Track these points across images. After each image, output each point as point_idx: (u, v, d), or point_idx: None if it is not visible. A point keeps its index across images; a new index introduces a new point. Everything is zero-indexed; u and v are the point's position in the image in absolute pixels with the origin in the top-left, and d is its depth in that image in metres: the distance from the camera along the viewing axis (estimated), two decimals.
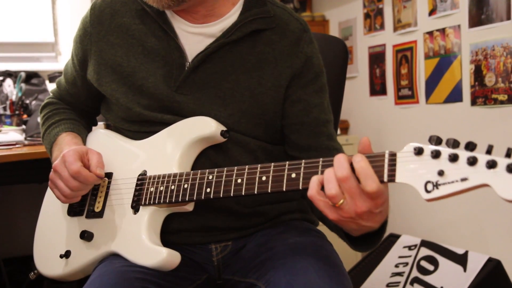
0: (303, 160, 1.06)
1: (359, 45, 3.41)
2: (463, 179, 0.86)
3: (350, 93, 3.42)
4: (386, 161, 0.95)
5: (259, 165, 1.12)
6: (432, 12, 2.82)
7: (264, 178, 1.10)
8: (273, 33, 1.35)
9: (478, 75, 2.55)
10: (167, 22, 1.34)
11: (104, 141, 1.45)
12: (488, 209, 2.58)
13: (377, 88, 3.28)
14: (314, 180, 1.00)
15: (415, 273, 2.43)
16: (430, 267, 2.42)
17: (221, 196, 1.16)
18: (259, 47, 1.34)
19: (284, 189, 1.07)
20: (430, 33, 2.84)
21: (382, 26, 3.21)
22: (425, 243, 2.56)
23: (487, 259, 2.27)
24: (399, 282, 2.44)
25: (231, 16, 1.33)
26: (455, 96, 2.69)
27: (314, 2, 3.84)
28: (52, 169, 1.31)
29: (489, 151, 0.85)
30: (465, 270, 2.29)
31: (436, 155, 0.89)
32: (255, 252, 1.32)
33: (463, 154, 0.86)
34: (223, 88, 1.32)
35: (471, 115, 2.60)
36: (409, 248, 2.59)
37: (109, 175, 1.38)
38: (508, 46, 2.39)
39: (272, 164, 1.10)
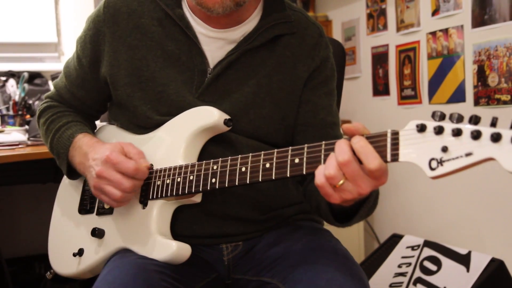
0: (306, 145, 1.05)
1: (362, 46, 3.41)
2: (468, 154, 0.84)
3: (353, 93, 3.42)
4: (389, 140, 0.94)
5: (262, 152, 1.11)
6: (435, 12, 2.82)
7: (268, 165, 1.09)
8: (292, 37, 1.35)
9: (481, 75, 2.55)
10: (189, 26, 1.31)
11: (111, 136, 1.44)
12: (491, 209, 2.58)
13: (380, 88, 3.28)
14: (320, 169, 1.00)
15: (418, 273, 2.43)
16: (433, 268, 2.42)
17: (226, 186, 1.15)
18: (279, 50, 1.34)
19: (288, 175, 1.06)
20: (433, 34, 2.83)
21: (385, 27, 3.21)
22: (428, 244, 2.55)
23: (490, 260, 2.27)
24: (402, 283, 2.43)
25: (252, 21, 1.33)
26: (458, 96, 2.68)
27: (317, 2, 3.83)
28: (96, 176, 1.24)
29: (493, 123, 0.83)
30: (468, 270, 2.29)
31: (439, 131, 0.87)
32: (266, 251, 1.32)
33: (467, 128, 0.84)
34: (245, 92, 1.31)
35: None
36: (412, 248, 2.59)
37: None
38: (511, 46, 2.39)
39: (276, 150, 1.09)
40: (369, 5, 3.33)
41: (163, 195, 1.25)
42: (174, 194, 1.23)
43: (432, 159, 0.87)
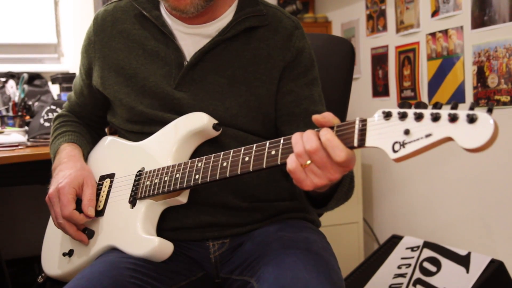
0: (282, 137, 1.10)
1: (362, 47, 3.41)
2: (428, 135, 0.88)
3: (352, 94, 3.40)
4: (357, 127, 0.98)
5: (243, 147, 1.16)
6: (434, 13, 2.82)
7: (247, 159, 1.14)
8: (266, 30, 1.41)
9: (480, 76, 2.55)
10: (165, 25, 1.41)
11: (108, 145, 1.54)
12: (490, 210, 2.58)
13: (379, 89, 3.28)
14: (291, 156, 1.05)
15: (417, 274, 2.43)
16: (433, 269, 2.42)
17: (208, 180, 1.20)
18: (253, 43, 1.40)
19: (264, 166, 1.10)
20: (433, 35, 2.84)
21: (384, 28, 3.21)
22: (427, 244, 2.56)
23: (490, 260, 2.27)
24: (402, 284, 2.44)
25: (226, 17, 1.40)
26: (457, 97, 2.69)
27: (317, 3, 3.84)
28: (48, 193, 1.38)
29: (454, 107, 0.87)
30: (467, 271, 2.29)
31: (403, 115, 0.91)
32: (251, 250, 1.34)
33: (428, 112, 0.89)
34: (221, 83, 1.38)
35: None
36: (412, 249, 2.59)
37: (111, 176, 1.44)
38: (511, 47, 2.39)
39: (255, 144, 1.14)
40: (369, 6, 3.33)
41: (151, 194, 1.30)
42: (160, 192, 1.28)
43: (396, 142, 0.91)
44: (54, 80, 2.96)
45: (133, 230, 1.29)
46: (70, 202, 1.33)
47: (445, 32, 2.75)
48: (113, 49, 1.45)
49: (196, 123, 1.33)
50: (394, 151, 0.91)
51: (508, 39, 2.40)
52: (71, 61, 3.25)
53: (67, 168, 1.40)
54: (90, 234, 1.37)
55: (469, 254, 2.36)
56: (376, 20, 3.28)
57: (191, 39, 1.41)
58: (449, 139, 0.86)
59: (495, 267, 2.25)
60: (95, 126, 1.66)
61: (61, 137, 1.54)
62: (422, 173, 2.99)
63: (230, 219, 1.37)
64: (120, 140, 1.49)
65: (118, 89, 1.43)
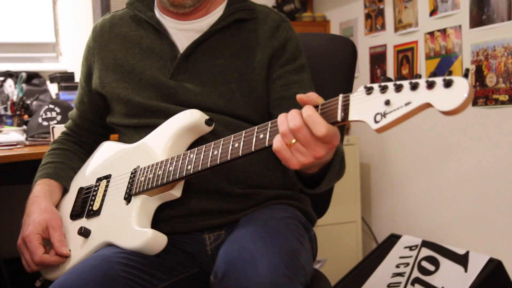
0: (270, 121, 1.13)
1: (360, 46, 3.41)
2: (407, 103, 0.91)
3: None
4: (340, 103, 1.01)
5: (233, 135, 1.19)
6: (433, 12, 2.82)
7: (236, 145, 1.17)
8: (255, 23, 1.50)
9: (479, 75, 2.55)
10: (159, 23, 1.50)
11: (105, 149, 1.58)
12: (489, 209, 2.58)
13: None
14: (277, 136, 1.08)
15: (416, 273, 2.44)
16: (431, 268, 2.42)
17: (200, 169, 1.23)
18: (243, 34, 1.49)
19: (253, 150, 1.13)
20: (431, 34, 2.84)
21: (383, 27, 3.21)
22: (426, 244, 2.56)
23: (488, 260, 2.27)
24: (400, 283, 2.44)
25: (217, 13, 1.50)
26: None
27: (315, 2, 3.84)
28: (18, 241, 1.43)
29: (431, 76, 0.90)
30: (466, 270, 2.29)
31: (383, 88, 0.94)
32: None
33: (407, 82, 0.91)
34: (213, 71, 1.45)
35: (472, 116, 2.60)
36: (410, 248, 2.60)
37: (107, 177, 1.47)
38: (509, 46, 2.39)
39: (244, 130, 1.17)
40: (367, 5, 3.34)
41: (145, 189, 1.32)
42: (154, 185, 1.30)
43: (377, 113, 0.94)
44: (52, 79, 2.96)
45: (128, 224, 1.30)
46: (37, 248, 1.37)
47: (443, 31, 2.75)
48: (111, 50, 1.53)
49: (189, 119, 1.36)
50: (376, 122, 0.94)
51: (507, 38, 2.40)
52: (69, 60, 3.24)
53: (31, 213, 1.44)
54: (86, 233, 1.38)
55: (467, 253, 2.36)
56: (374, 19, 3.28)
57: (184, 34, 1.49)
58: (428, 105, 0.88)
59: (493, 266, 2.26)
60: (97, 139, 1.67)
61: (42, 169, 1.58)
62: (421, 172, 2.99)
63: (223, 205, 1.39)
64: (116, 144, 1.53)
65: (116, 85, 1.49)
